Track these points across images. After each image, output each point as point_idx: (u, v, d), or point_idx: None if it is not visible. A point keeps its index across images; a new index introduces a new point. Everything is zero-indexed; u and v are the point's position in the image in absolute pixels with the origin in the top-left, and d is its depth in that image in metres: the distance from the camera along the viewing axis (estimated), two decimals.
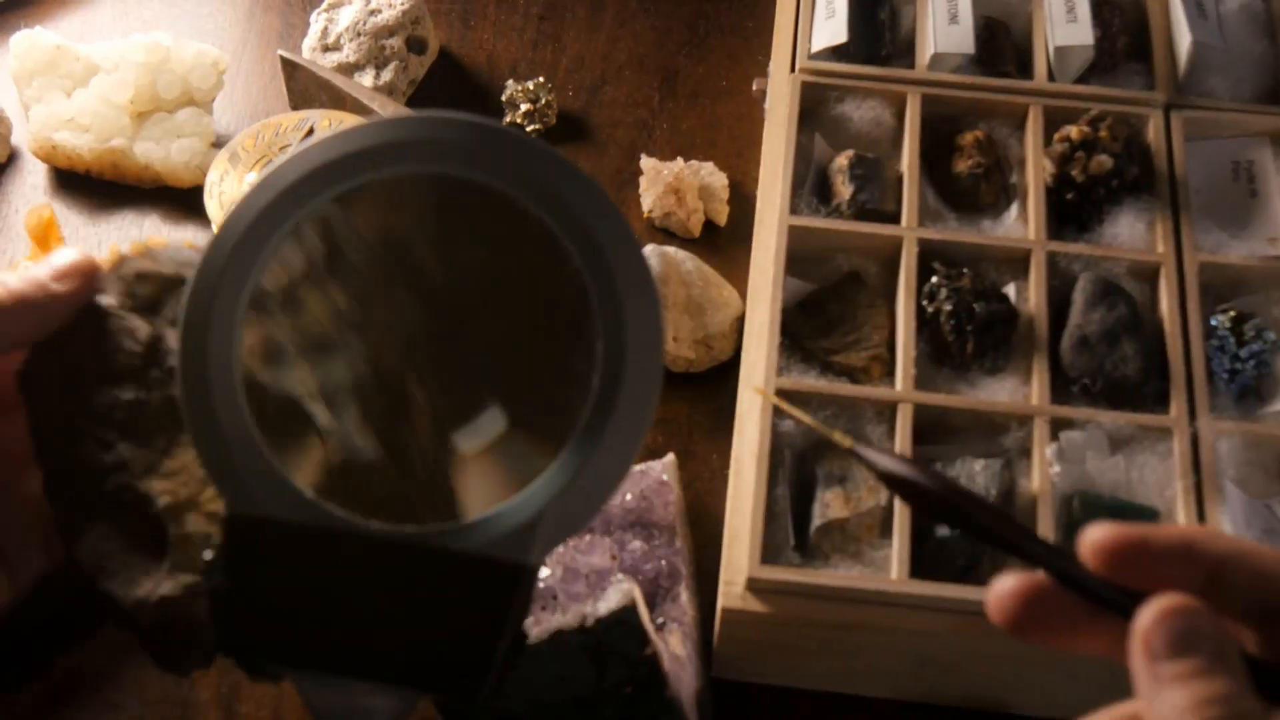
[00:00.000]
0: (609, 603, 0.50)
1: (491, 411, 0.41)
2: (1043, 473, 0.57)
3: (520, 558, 0.37)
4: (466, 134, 0.39)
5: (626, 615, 0.49)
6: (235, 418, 0.39)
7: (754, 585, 0.55)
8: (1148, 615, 0.33)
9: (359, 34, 0.78)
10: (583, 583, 0.54)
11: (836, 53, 0.72)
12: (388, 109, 0.75)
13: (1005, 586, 0.35)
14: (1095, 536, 0.34)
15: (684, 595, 0.57)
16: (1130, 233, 0.66)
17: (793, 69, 0.72)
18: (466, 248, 0.41)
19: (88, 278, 0.44)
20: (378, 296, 0.42)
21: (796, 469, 0.59)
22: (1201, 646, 0.32)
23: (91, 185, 0.77)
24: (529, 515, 0.38)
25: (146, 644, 0.44)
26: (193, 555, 0.43)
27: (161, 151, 0.74)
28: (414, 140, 0.40)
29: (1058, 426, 0.59)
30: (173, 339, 0.44)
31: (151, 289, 0.46)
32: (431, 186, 0.40)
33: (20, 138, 0.79)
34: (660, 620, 0.56)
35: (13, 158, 0.78)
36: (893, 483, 0.38)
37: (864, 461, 0.39)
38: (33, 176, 0.78)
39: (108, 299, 0.45)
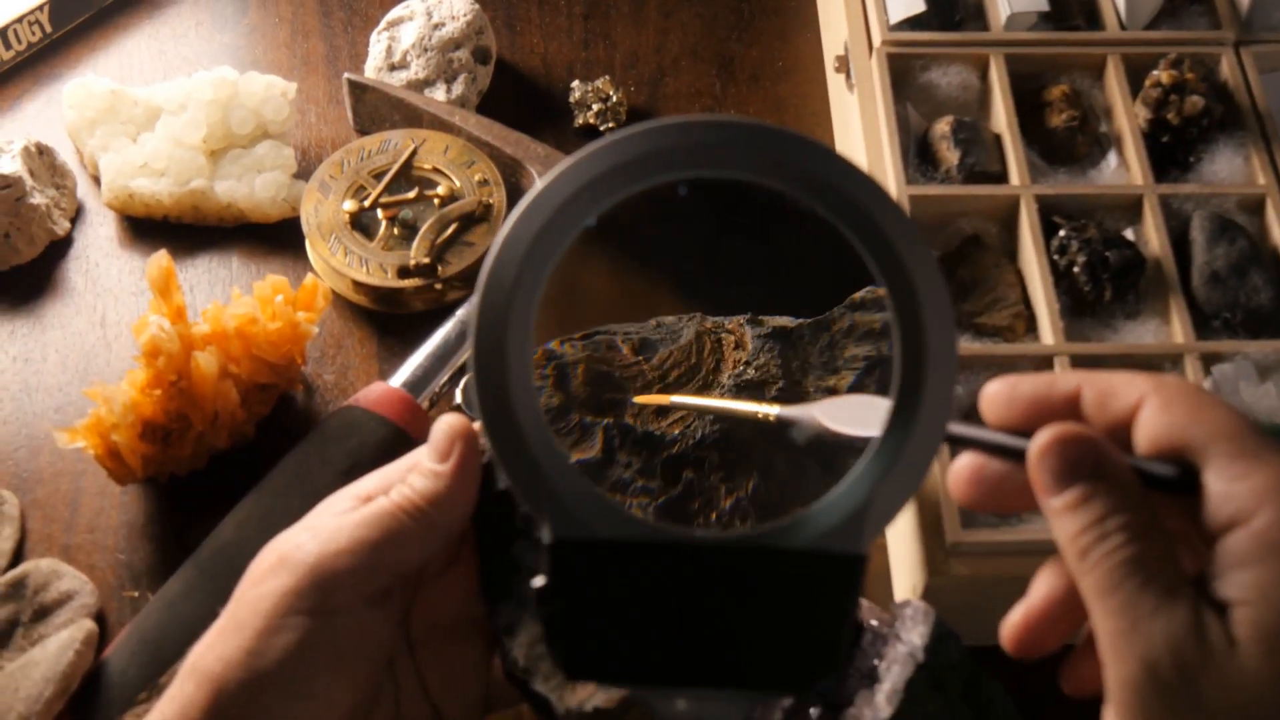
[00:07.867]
0: (918, 627, 0.45)
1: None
2: None
3: (853, 548, 0.38)
4: (736, 135, 0.39)
5: (942, 630, 0.46)
6: (542, 440, 0.38)
7: (956, 550, 0.56)
8: (1033, 454, 0.35)
9: (425, 49, 0.77)
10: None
11: (912, 23, 0.73)
12: (469, 122, 0.74)
13: (955, 471, 0.39)
14: (986, 391, 0.38)
15: None
16: (1229, 168, 0.68)
17: (869, 42, 0.73)
18: (752, 246, 0.41)
19: (467, 439, 0.44)
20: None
21: None
22: (1079, 473, 0.34)
23: (166, 230, 0.75)
24: (856, 504, 0.38)
25: None
26: None
27: (245, 188, 0.73)
28: (677, 146, 0.39)
29: (1207, 361, 0.61)
30: None
31: None
32: (707, 191, 0.40)
33: (84, 190, 0.76)
34: None
35: (79, 211, 0.75)
36: None
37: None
38: (104, 228, 0.75)
39: None
